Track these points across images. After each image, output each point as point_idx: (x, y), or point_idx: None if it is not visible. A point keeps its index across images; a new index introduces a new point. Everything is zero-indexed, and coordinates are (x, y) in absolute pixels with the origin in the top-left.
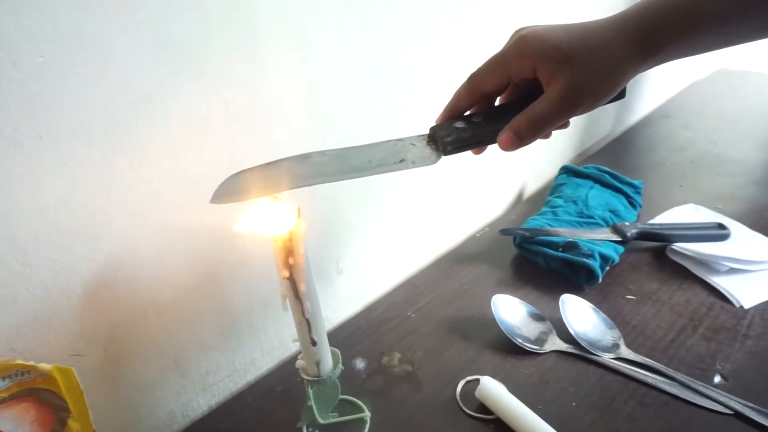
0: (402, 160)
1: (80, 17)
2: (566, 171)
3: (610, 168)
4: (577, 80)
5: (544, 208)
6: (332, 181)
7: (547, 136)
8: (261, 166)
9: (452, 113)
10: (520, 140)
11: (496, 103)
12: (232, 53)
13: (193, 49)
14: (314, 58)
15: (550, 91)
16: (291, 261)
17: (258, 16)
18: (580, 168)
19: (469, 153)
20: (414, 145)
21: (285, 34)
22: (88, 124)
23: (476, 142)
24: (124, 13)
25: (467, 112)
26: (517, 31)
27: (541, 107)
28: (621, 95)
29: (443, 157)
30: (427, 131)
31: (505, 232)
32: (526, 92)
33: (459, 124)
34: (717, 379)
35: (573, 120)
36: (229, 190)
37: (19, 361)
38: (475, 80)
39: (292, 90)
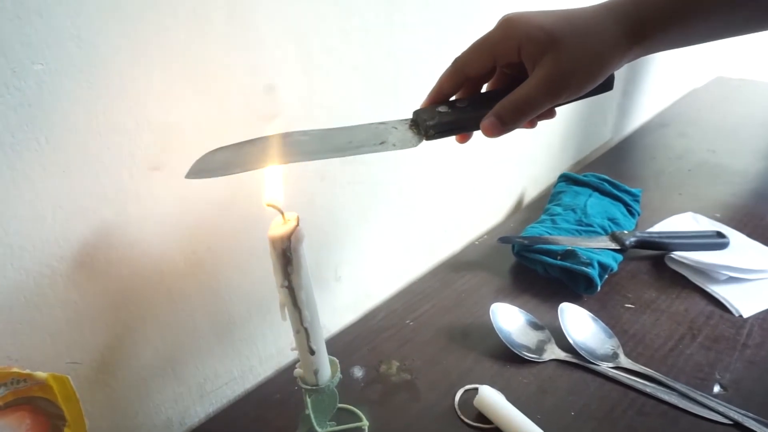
0: (383, 142)
1: (80, 24)
2: (565, 179)
3: (608, 176)
4: (562, 64)
5: (543, 216)
6: (311, 160)
7: (532, 124)
8: (239, 143)
9: (436, 98)
10: (503, 125)
11: (483, 91)
12: (232, 61)
13: (194, 56)
14: (314, 65)
15: (535, 74)
16: (289, 269)
17: (259, 24)
18: (579, 176)
19: (467, 160)
20: (396, 128)
21: (286, 42)
22: (86, 131)
23: (459, 127)
24: (124, 20)
25: (452, 98)
26: (504, 15)
27: (526, 91)
28: (608, 86)
29: (424, 141)
30: (410, 116)
31: (503, 240)
32: (512, 80)
33: (442, 109)
34: (716, 388)
35: (571, 127)
36: (206, 166)
37: (14, 369)
38: (459, 64)
39: (292, 96)
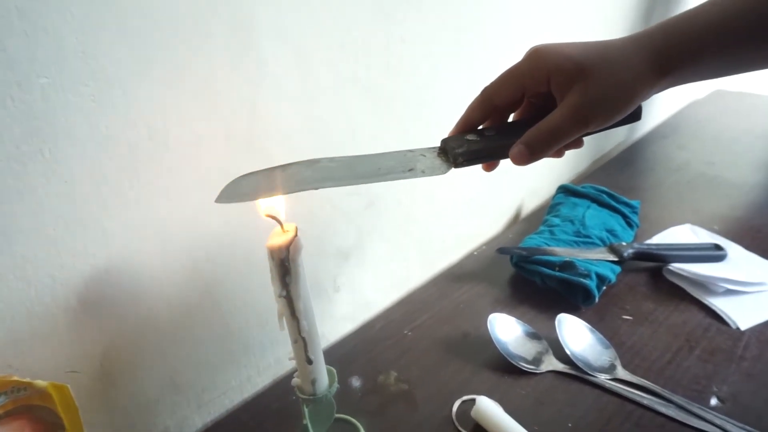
0: (411, 169)
1: (85, 40)
2: (563, 190)
3: (607, 188)
4: (591, 93)
5: (542, 227)
6: (339, 186)
7: (559, 153)
8: (268, 169)
9: (465, 127)
10: (531, 154)
11: (510, 119)
12: (233, 75)
13: (196, 71)
14: (314, 79)
15: (565, 103)
16: (288, 279)
17: (260, 39)
18: (578, 187)
19: (466, 172)
20: (424, 156)
21: (286, 55)
22: (89, 143)
23: (487, 156)
24: (128, 36)
25: (480, 127)
26: (532, 47)
27: (555, 120)
28: (636, 116)
29: (453, 168)
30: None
31: (502, 251)
32: (539, 110)
33: (471, 137)
34: (713, 401)
35: None
36: (236, 191)
37: (15, 378)
38: (488, 93)
39: (292, 110)
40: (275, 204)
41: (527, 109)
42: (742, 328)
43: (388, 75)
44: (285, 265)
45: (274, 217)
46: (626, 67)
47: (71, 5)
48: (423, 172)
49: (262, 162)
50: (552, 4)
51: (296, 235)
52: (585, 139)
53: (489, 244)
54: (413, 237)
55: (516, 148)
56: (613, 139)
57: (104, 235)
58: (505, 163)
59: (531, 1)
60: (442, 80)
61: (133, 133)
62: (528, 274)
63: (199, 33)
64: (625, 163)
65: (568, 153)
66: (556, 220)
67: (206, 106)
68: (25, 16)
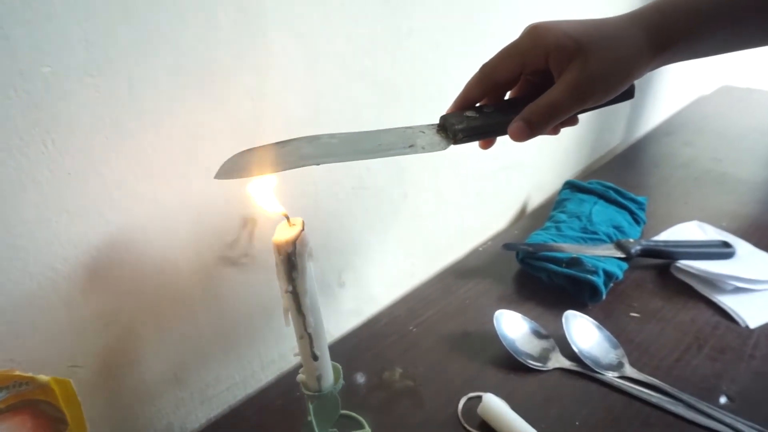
0: (412, 145)
1: (89, 28)
2: (570, 186)
3: (614, 184)
4: (589, 70)
5: (548, 223)
6: (340, 161)
7: (556, 130)
8: (269, 145)
9: (463, 104)
10: (530, 130)
11: (507, 97)
12: (239, 66)
13: (202, 61)
14: (321, 71)
15: (563, 79)
16: (294, 275)
17: (266, 29)
18: (584, 183)
19: (472, 167)
20: (424, 132)
21: (292, 46)
22: (93, 133)
23: (486, 132)
24: (133, 23)
25: (478, 104)
26: (530, 24)
27: (554, 95)
28: (630, 94)
29: (452, 145)
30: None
31: (508, 247)
32: (537, 87)
33: (470, 113)
34: (723, 399)
35: (577, 134)
36: (235, 166)
37: (17, 372)
38: (487, 70)
39: (298, 102)
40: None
41: (524, 86)
42: (752, 326)
43: (395, 67)
44: (291, 260)
45: (280, 213)
46: (623, 45)
47: None
48: (423, 148)
49: None
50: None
51: (303, 230)
52: (591, 136)
53: (494, 239)
54: (419, 232)
55: (515, 124)
56: (618, 135)
57: (107, 227)
58: (511, 158)
59: None
60: (450, 72)
61: (137, 123)
62: (534, 270)
63: (205, 21)
64: (632, 160)
65: (574, 149)
66: (563, 216)
67: (211, 96)
68: (28, 3)
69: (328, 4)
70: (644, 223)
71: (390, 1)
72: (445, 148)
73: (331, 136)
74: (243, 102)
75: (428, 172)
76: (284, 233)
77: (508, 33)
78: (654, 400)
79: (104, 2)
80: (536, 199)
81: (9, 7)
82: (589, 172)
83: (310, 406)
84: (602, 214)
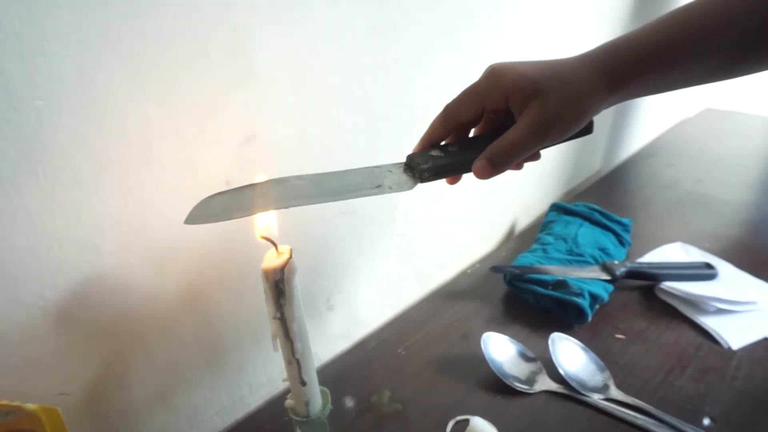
0: (379, 186)
1: (82, 62)
2: (556, 208)
3: (598, 205)
4: (546, 110)
5: (535, 245)
6: (309, 204)
7: (519, 166)
8: (236, 188)
9: (428, 143)
10: (494, 168)
11: (471, 135)
12: (229, 95)
13: (191, 92)
14: (309, 98)
15: (522, 120)
16: (282, 301)
17: (255, 59)
18: (570, 205)
19: (459, 190)
20: (391, 171)
21: (281, 75)
22: (84, 164)
23: (452, 170)
24: (125, 56)
25: (443, 142)
26: (490, 66)
27: (514, 136)
28: (588, 130)
29: (419, 184)
30: (403, 160)
31: (495, 269)
32: (498, 124)
33: (435, 153)
34: (706, 421)
35: (562, 157)
36: (205, 211)
37: (4, 402)
38: (450, 110)
39: (288, 130)
40: (270, 224)
41: (487, 123)
42: (734, 347)
43: (382, 93)
44: (279, 287)
45: (268, 239)
46: (577, 85)
47: (69, 30)
48: (390, 188)
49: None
50: (544, 23)
51: (291, 257)
52: (576, 158)
53: (482, 261)
54: (407, 255)
55: (479, 163)
56: (602, 157)
57: (98, 255)
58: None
59: (524, 21)
60: (436, 97)
61: (128, 153)
62: (521, 292)
63: (195, 53)
64: (616, 181)
65: (559, 171)
66: (549, 239)
67: (201, 126)
68: (23, 40)
69: (315, 35)
70: (629, 244)
71: (377, 28)
72: (411, 188)
73: (299, 177)
74: (233, 131)
75: (416, 195)
76: (272, 261)
77: (493, 59)
78: (639, 422)
79: (98, 38)
80: (523, 221)
81: (3, 43)
82: (575, 194)
83: (299, 431)
84: (588, 236)
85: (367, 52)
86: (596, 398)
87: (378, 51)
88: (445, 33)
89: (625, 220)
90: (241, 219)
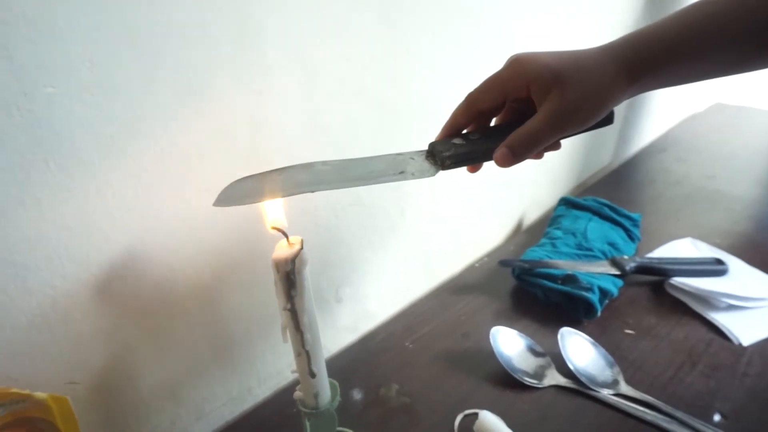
0: (402, 172)
1: (93, 49)
2: (565, 203)
3: (608, 200)
4: (567, 100)
5: (543, 240)
6: (334, 189)
7: (539, 155)
8: (264, 172)
9: (450, 131)
10: (514, 156)
11: (492, 124)
12: (238, 84)
13: (201, 80)
14: (319, 90)
15: (543, 109)
16: (293, 292)
17: (265, 49)
18: (579, 200)
19: (468, 183)
20: (413, 159)
21: (291, 66)
22: (94, 152)
23: (473, 158)
24: (135, 44)
25: (464, 131)
26: (513, 55)
27: (535, 125)
28: (609, 120)
29: (441, 171)
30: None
31: (504, 263)
32: (520, 114)
33: (457, 141)
34: (716, 417)
35: (571, 151)
36: (233, 194)
37: (14, 390)
38: (472, 99)
39: (296, 121)
40: (280, 215)
41: (508, 113)
42: (745, 344)
43: (393, 85)
44: (290, 278)
45: (280, 230)
46: (598, 76)
47: (80, 14)
48: (413, 174)
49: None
50: (552, 16)
51: (302, 248)
52: (586, 152)
53: (491, 255)
54: (416, 248)
55: (500, 151)
56: (612, 151)
57: (107, 245)
58: (507, 174)
59: (532, 14)
60: (446, 90)
61: (138, 142)
62: (530, 286)
63: (206, 42)
64: (625, 176)
65: (569, 165)
66: (558, 233)
67: (211, 115)
68: (33, 24)
69: (326, 26)
70: (639, 239)
71: (387, 20)
72: (433, 174)
73: (324, 163)
74: (242, 121)
75: (425, 188)
76: (283, 251)
77: (503, 52)
78: (649, 417)
79: (109, 23)
80: (532, 215)
81: (14, 28)
82: (584, 188)
83: (307, 423)
84: (597, 230)
85: (377, 43)
86: (605, 393)
87: (388, 42)
88: (455, 26)
89: (634, 215)
90: (250, 210)
